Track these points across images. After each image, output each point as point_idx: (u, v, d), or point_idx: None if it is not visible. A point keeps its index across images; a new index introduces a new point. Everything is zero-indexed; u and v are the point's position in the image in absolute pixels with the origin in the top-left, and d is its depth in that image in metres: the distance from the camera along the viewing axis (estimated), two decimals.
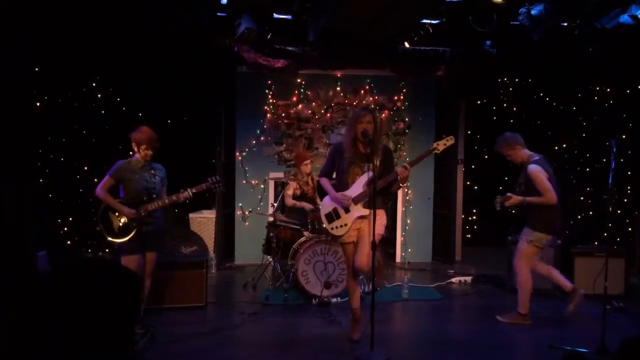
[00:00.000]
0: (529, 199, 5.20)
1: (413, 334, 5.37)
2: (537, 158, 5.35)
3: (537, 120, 8.84)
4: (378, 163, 4.56)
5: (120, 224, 4.75)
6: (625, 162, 7.74)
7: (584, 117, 8.47)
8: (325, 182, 4.89)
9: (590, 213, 8.32)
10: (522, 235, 5.41)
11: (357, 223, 4.73)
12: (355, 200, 4.67)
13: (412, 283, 6.63)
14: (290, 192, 6.78)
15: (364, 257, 4.64)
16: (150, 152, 4.77)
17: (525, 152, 5.43)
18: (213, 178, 4.96)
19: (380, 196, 4.66)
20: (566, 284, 5.41)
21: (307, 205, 6.66)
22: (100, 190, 4.73)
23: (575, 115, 8.51)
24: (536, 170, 5.20)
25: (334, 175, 4.93)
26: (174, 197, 4.83)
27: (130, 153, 4.94)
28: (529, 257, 5.34)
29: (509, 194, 5.30)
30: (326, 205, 4.86)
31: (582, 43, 6.65)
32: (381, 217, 4.69)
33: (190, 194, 4.85)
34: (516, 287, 5.50)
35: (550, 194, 5.14)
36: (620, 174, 7.35)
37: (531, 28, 5.80)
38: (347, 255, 4.84)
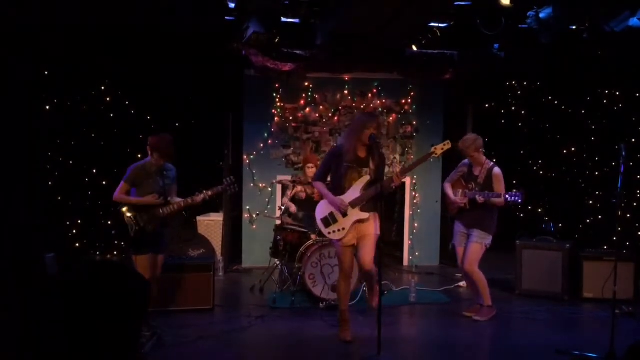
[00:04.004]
0: (495, 199, 5.42)
1: (420, 338, 5.35)
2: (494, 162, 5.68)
3: (545, 124, 8.80)
4: (374, 167, 4.65)
5: (137, 228, 4.76)
6: (635, 166, 7.69)
7: (593, 121, 8.42)
8: (321, 186, 4.89)
9: (600, 217, 8.27)
10: (473, 238, 5.53)
11: (355, 227, 4.73)
12: (353, 205, 4.68)
13: (420, 287, 6.60)
14: (289, 192, 6.81)
15: (367, 255, 4.67)
16: (161, 162, 4.83)
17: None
18: (228, 179, 5.08)
19: (374, 200, 4.72)
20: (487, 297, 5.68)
21: (293, 207, 6.71)
22: (118, 194, 4.79)
23: (584, 119, 8.47)
24: (501, 173, 5.53)
25: (329, 179, 4.94)
26: (189, 200, 4.89)
27: (139, 156, 4.96)
28: (480, 258, 5.55)
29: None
30: (322, 209, 4.88)
31: (591, 46, 6.61)
32: (376, 219, 4.75)
33: (207, 196, 4.92)
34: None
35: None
36: (629, 178, 7.30)
37: (540, 31, 5.79)
38: (343, 258, 4.82)
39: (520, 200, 5.31)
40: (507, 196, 5.31)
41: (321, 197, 6.80)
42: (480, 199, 5.41)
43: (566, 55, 7.10)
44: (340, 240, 4.77)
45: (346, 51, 6.56)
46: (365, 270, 4.75)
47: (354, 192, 4.70)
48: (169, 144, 4.79)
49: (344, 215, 4.72)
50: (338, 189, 4.76)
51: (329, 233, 4.81)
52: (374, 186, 4.62)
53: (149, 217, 4.78)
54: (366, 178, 4.69)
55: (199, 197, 4.88)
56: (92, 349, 1.48)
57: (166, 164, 4.93)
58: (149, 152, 4.81)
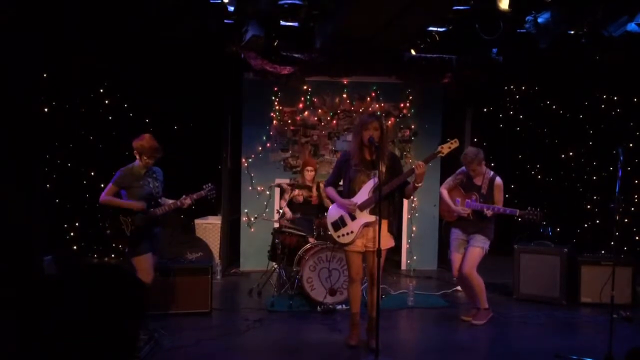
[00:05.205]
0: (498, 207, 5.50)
1: (418, 342, 5.34)
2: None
3: (543, 128, 8.82)
4: (384, 169, 4.55)
5: (132, 227, 4.78)
6: (633, 170, 7.71)
7: (590, 125, 8.44)
8: (331, 191, 4.89)
9: (597, 221, 8.28)
10: (474, 242, 5.54)
11: (363, 231, 4.70)
12: (361, 207, 4.65)
13: (418, 291, 6.60)
14: (287, 195, 6.79)
15: (376, 269, 4.62)
16: (151, 162, 4.82)
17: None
18: (207, 185, 5.12)
19: (388, 202, 4.66)
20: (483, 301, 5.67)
21: (288, 214, 6.70)
22: (104, 196, 4.77)
23: (582, 123, 8.49)
24: (502, 183, 5.58)
25: (342, 185, 4.93)
26: (177, 203, 4.93)
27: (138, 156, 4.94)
28: (479, 262, 5.58)
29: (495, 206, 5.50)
30: (332, 213, 4.85)
31: (589, 51, 6.63)
32: (384, 228, 4.61)
33: (192, 200, 4.99)
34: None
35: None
36: (627, 182, 7.32)
37: (538, 36, 5.81)
38: (350, 263, 4.81)
39: (539, 219, 5.36)
40: (523, 212, 5.36)
41: (319, 200, 6.86)
42: (488, 212, 5.40)
43: (564, 60, 7.12)
44: (348, 244, 4.74)
45: (345, 55, 6.58)
46: (373, 281, 4.72)
47: (362, 195, 4.67)
48: (152, 140, 4.80)
49: (353, 218, 4.70)
50: (348, 193, 4.74)
51: (338, 237, 4.78)
52: (383, 188, 4.47)
53: (143, 217, 4.81)
54: (374, 180, 4.63)
55: (187, 201, 4.95)
56: (89, 351, 1.48)
57: (153, 167, 4.95)
58: (137, 156, 4.82)
